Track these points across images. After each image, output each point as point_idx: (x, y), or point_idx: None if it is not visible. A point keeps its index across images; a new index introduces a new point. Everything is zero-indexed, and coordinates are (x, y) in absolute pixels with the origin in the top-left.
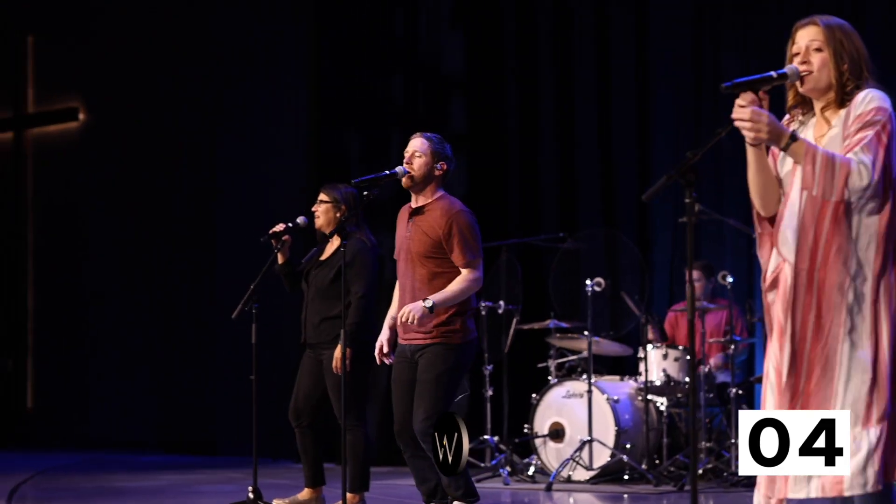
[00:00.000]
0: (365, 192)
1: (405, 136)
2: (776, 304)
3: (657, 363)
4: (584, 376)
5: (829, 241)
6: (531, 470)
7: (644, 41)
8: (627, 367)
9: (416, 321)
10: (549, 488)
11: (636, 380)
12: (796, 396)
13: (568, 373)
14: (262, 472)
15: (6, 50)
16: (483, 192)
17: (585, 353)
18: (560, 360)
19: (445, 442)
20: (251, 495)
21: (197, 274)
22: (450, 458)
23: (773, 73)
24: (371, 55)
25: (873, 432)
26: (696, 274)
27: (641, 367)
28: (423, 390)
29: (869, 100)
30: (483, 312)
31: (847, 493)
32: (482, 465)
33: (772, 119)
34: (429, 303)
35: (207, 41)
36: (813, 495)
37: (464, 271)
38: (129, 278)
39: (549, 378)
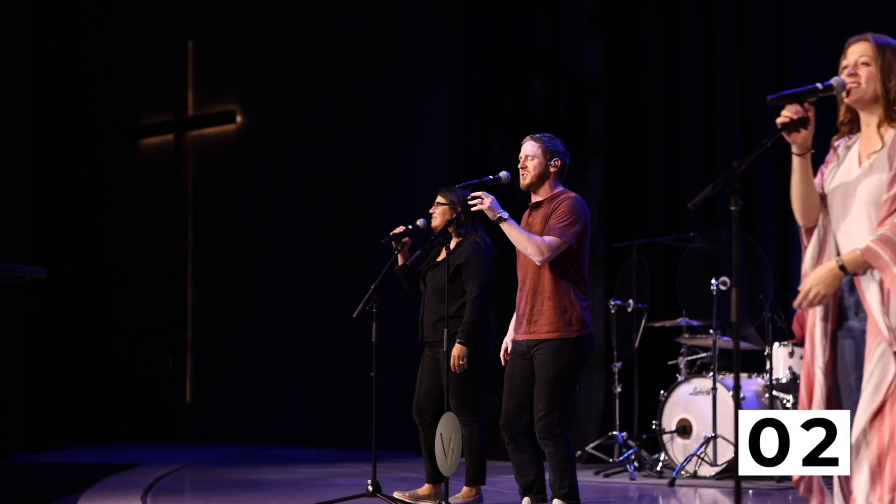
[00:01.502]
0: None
1: None
2: None
3: (784, 361)
4: (711, 374)
5: None
6: (659, 465)
7: (786, 44)
8: (760, 364)
9: (487, 202)
10: (672, 483)
11: (763, 377)
12: None
13: (699, 370)
14: (393, 465)
15: (168, 55)
16: (620, 194)
17: (717, 351)
18: (690, 358)
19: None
20: (370, 488)
21: (348, 275)
22: (559, 459)
23: (819, 85)
24: (514, 59)
25: None
26: None
27: (768, 364)
28: (542, 387)
29: None
30: (613, 311)
31: None
32: (610, 460)
33: (818, 275)
34: (503, 213)
35: (359, 45)
36: None
37: (547, 237)
38: (285, 277)
39: (678, 375)
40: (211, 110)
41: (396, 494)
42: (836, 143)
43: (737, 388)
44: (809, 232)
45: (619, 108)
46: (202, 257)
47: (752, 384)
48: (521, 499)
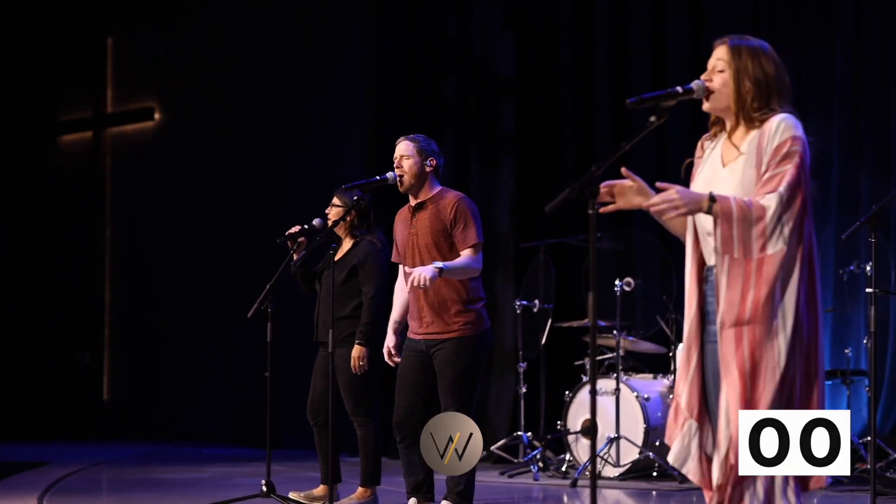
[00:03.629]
0: (356, 197)
1: (458, 138)
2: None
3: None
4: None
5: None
6: (564, 466)
7: (700, 43)
8: (664, 365)
9: (426, 283)
10: (574, 484)
11: (668, 378)
12: None
13: (606, 371)
14: (299, 464)
15: (87, 52)
16: (531, 194)
17: (622, 352)
18: (596, 358)
19: (460, 438)
20: (264, 488)
21: (267, 272)
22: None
23: (679, 89)
24: (426, 58)
25: None
26: None
27: (673, 365)
28: (447, 387)
29: (783, 129)
30: (519, 311)
31: None
32: (515, 460)
33: (682, 191)
34: (439, 264)
35: (274, 42)
36: None
37: (467, 251)
38: (201, 274)
39: (583, 376)
40: (129, 107)
41: (292, 495)
42: (703, 142)
43: (593, 389)
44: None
45: (530, 107)
46: (120, 254)
47: (657, 385)
48: (408, 498)
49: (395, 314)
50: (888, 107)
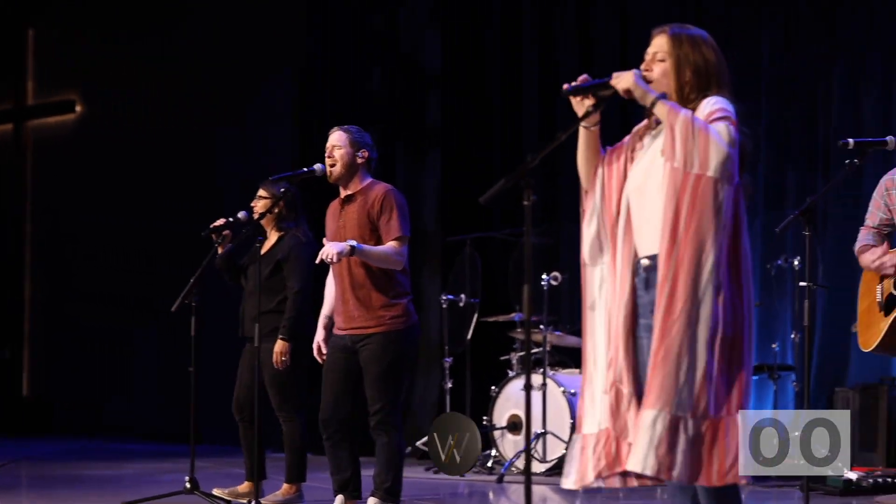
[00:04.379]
0: (283, 189)
1: (384, 131)
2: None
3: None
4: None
5: (689, 221)
6: (490, 462)
7: (627, 34)
8: None
9: (333, 257)
10: (500, 480)
11: None
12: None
13: (533, 366)
14: (224, 460)
15: (8, 43)
16: (457, 188)
17: (548, 347)
18: (522, 353)
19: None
20: (188, 485)
21: (194, 266)
22: (390, 452)
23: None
24: (353, 50)
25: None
26: None
27: None
28: (373, 382)
29: (713, 103)
30: (444, 305)
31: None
32: None
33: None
34: (352, 242)
35: (200, 34)
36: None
37: (391, 243)
38: (126, 269)
39: (510, 371)
40: (51, 99)
41: (216, 491)
42: (640, 130)
43: (528, 384)
44: (588, 195)
45: (457, 101)
46: (41, 248)
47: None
48: (335, 496)
49: (325, 309)
50: (815, 102)
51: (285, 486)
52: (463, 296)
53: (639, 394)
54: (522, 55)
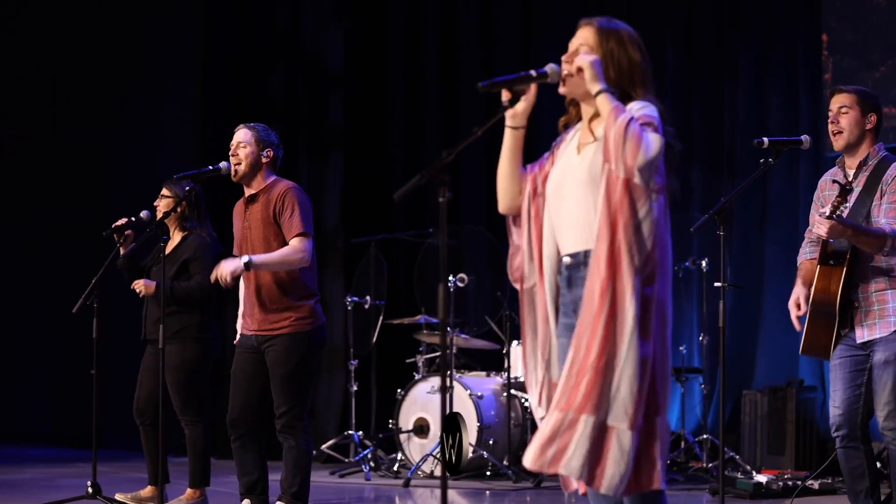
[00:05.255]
0: (188, 188)
1: (286, 131)
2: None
3: (522, 359)
4: (449, 372)
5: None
6: (395, 466)
7: (530, 35)
8: (496, 363)
9: (227, 278)
10: (407, 484)
11: (502, 376)
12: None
13: (437, 369)
14: (124, 465)
15: None
16: (361, 188)
17: (455, 349)
18: (428, 356)
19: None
20: (90, 490)
21: (87, 268)
22: (298, 455)
23: (533, 72)
24: (255, 48)
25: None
26: None
27: (507, 362)
28: (279, 384)
29: (639, 108)
30: (350, 307)
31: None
32: (346, 460)
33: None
34: (245, 258)
35: (99, 29)
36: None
37: (292, 241)
38: (18, 268)
39: (416, 374)
40: None
41: (118, 496)
42: (564, 125)
43: (444, 385)
44: (517, 222)
45: (360, 101)
46: None
47: (491, 383)
48: (242, 500)
49: (241, 309)
50: (720, 101)
51: (189, 490)
52: (368, 298)
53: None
54: (424, 54)
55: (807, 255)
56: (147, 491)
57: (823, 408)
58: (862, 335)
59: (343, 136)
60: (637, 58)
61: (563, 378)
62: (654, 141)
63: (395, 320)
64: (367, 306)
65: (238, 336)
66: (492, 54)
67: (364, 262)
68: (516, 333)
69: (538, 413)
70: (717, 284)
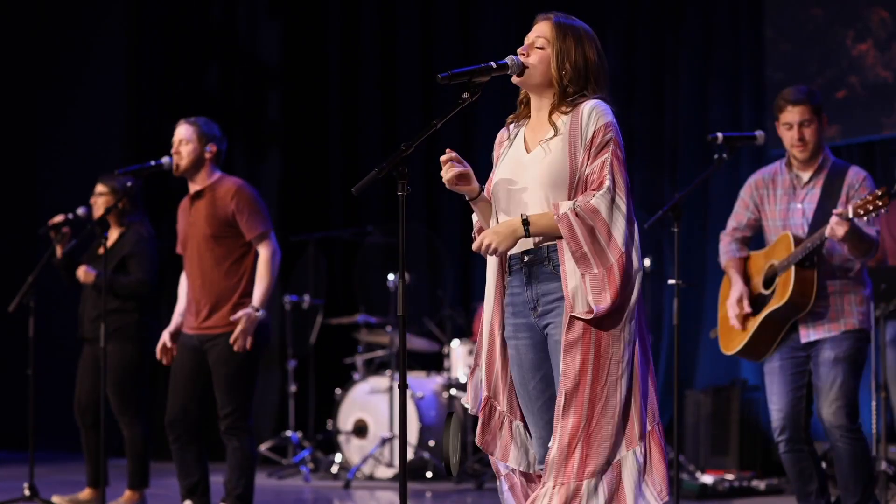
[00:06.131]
0: (129, 184)
1: (222, 128)
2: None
3: (463, 359)
4: (389, 372)
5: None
6: (334, 467)
7: (469, 29)
8: (436, 362)
9: (250, 333)
10: (347, 486)
11: (442, 376)
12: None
13: (376, 369)
14: (59, 467)
15: None
16: (298, 186)
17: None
18: (367, 356)
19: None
20: (27, 492)
21: (17, 262)
22: (242, 457)
23: (493, 64)
24: (189, 43)
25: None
26: None
27: (447, 362)
28: (223, 384)
29: (598, 114)
30: (287, 307)
31: None
32: (284, 461)
33: (496, 228)
34: (259, 312)
35: (28, 24)
36: None
37: (260, 249)
38: None
39: (355, 374)
40: None
41: (55, 499)
42: (509, 123)
43: (403, 384)
44: None
45: (297, 97)
46: None
47: (431, 383)
48: (182, 501)
49: (179, 306)
50: (661, 99)
51: (128, 492)
52: (307, 297)
53: (511, 408)
54: (362, 51)
55: (735, 252)
56: (85, 493)
57: (767, 408)
58: (807, 335)
59: (280, 132)
60: (592, 57)
61: (556, 447)
62: (607, 203)
63: (333, 320)
64: (305, 306)
65: (172, 327)
66: (430, 51)
67: (303, 261)
68: (457, 332)
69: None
70: (671, 282)
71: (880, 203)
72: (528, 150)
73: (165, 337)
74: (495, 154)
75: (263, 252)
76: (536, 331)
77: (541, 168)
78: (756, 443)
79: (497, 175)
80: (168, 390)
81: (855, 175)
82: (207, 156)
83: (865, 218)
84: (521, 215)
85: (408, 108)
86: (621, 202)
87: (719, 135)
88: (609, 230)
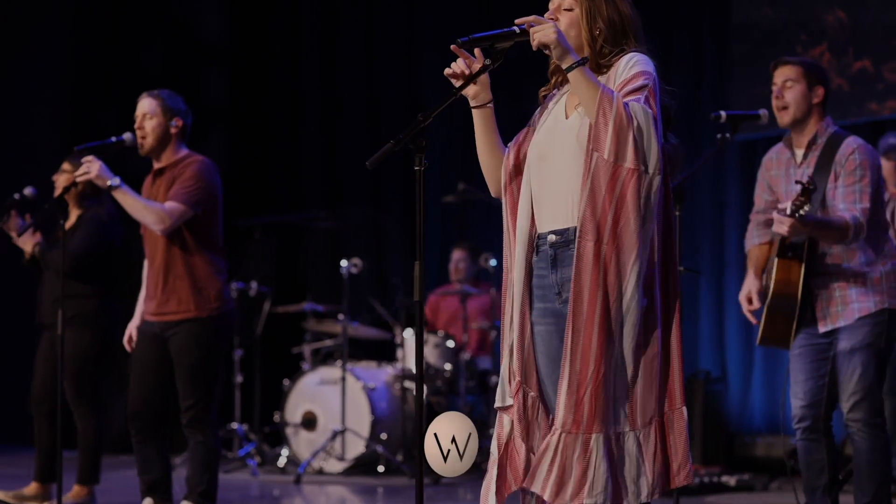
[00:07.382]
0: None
1: None
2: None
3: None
4: (339, 362)
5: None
6: (282, 461)
7: (414, 11)
8: (387, 352)
9: (94, 169)
10: (298, 480)
11: (394, 366)
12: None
13: (324, 358)
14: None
15: None
16: (243, 169)
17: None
18: (315, 345)
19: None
20: None
21: None
22: (205, 451)
23: (517, 29)
24: (128, 20)
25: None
26: (459, 255)
27: (399, 352)
28: (185, 375)
29: (632, 64)
30: (234, 295)
31: None
32: (229, 455)
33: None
34: (116, 180)
35: None
36: None
37: (168, 203)
38: None
39: (303, 364)
40: None
41: None
42: (543, 96)
43: (419, 376)
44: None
45: (242, 78)
46: None
47: (383, 374)
48: (143, 499)
49: (143, 293)
50: None
51: (76, 487)
52: (254, 284)
53: (541, 394)
54: (306, 29)
55: (755, 239)
56: (31, 489)
57: (731, 400)
58: (825, 325)
59: (225, 114)
60: (626, 10)
61: (564, 393)
62: (644, 118)
63: (280, 308)
64: (252, 293)
65: (134, 321)
66: (373, 28)
67: (250, 247)
68: (410, 321)
69: (504, 401)
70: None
71: (802, 199)
72: (567, 115)
73: (132, 330)
74: (536, 115)
75: (169, 205)
76: (561, 318)
77: (576, 135)
78: (720, 436)
79: (534, 138)
80: (129, 381)
81: (845, 148)
82: (173, 131)
83: (798, 213)
84: (584, 58)
85: (350, 89)
86: (651, 127)
87: (722, 113)
88: (643, 136)
